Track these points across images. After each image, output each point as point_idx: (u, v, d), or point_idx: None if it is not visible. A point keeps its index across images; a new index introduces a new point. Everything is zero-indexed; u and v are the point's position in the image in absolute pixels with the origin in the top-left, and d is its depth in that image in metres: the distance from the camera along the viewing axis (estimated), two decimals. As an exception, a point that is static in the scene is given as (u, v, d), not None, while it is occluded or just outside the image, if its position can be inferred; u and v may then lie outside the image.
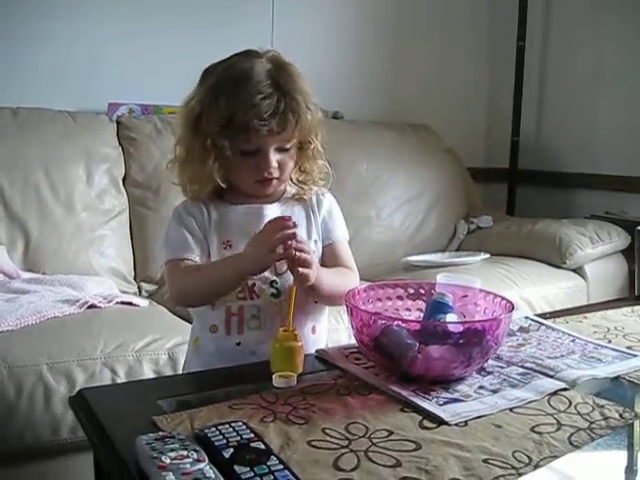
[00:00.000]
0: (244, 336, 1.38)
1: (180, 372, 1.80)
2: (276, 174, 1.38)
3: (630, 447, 1.14)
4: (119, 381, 1.74)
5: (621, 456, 1.11)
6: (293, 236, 1.26)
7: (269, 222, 1.30)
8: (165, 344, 1.86)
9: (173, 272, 1.41)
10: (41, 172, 2.45)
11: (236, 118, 1.31)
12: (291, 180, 1.48)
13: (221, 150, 1.35)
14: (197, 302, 1.42)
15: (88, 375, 1.73)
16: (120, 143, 2.69)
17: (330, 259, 1.47)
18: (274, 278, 1.39)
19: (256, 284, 1.38)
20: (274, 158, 1.36)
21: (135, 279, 2.58)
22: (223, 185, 1.41)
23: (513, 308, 1.25)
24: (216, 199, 1.45)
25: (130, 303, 2.16)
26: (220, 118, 1.32)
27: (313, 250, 1.37)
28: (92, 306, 2.05)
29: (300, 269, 1.27)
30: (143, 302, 2.22)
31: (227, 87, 1.34)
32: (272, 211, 1.43)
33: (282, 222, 1.27)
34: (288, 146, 1.38)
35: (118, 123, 2.74)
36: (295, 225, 1.27)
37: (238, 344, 1.38)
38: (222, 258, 1.38)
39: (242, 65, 1.36)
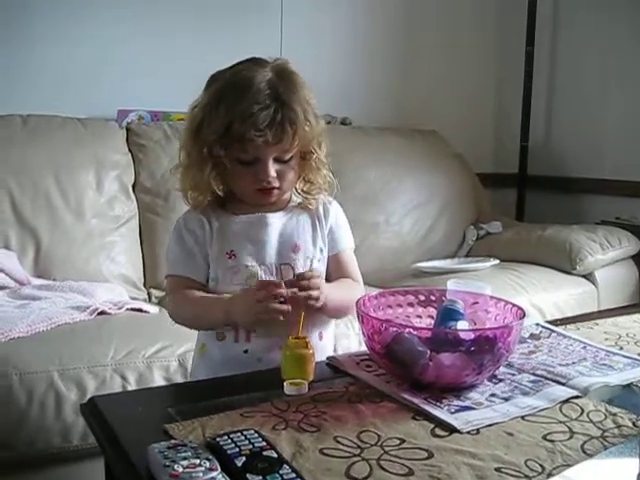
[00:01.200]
0: (251, 344, 1.38)
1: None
2: (275, 184, 1.38)
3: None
4: (129, 388, 1.75)
5: (633, 464, 1.10)
6: (278, 295, 1.28)
7: (260, 283, 1.33)
8: (175, 351, 1.86)
9: (171, 290, 1.46)
10: (51, 179, 2.46)
11: (233, 127, 1.31)
12: (296, 190, 1.48)
13: (218, 159, 1.36)
14: (190, 327, 1.47)
15: (99, 382, 1.74)
16: (130, 150, 2.70)
17: (335, 268, 1.48)
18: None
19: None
20: (272, 168, 1.36)
21: (145, 285, 2.58)
22: (220, 194, 1.41)
23: (524, 315, 1.24)
24: (218, 208, 1.45)
25: (140, 310, 2.17)
26: (219, 126, 1.32)
27: (317, 272, 1.38)
28: (102, 312, 2.05)
29: (309, 302, 1.31)
30: (153, 309, 2.22)
31: (228, 95, 1.33)
32: (276, 219, 1.43)
33: (271, 287, 1.29)
34: (287, 157, 1.37)
35: (127, 130, 2.75)
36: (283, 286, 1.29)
37: (245, 351, 1.38)
38: (216, 297, 1.38)
39: (245, 74, 1.35)
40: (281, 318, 1.28)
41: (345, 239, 1.51)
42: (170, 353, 1.85)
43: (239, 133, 1.30)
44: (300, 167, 1.42)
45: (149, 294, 2.56)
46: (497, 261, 2.78)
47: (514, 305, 1.30)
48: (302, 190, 1.47)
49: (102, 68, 2.84)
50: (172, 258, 1.45)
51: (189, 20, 2.99)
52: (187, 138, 1.40)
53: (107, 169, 2.59)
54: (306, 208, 1.47)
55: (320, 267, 1.44)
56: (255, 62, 1.39)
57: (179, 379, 1.82)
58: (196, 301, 1.39)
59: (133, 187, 2.66)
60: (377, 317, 1.28)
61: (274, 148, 1.34)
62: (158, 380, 1.80)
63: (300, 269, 1.40)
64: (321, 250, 1.46)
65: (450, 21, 3.64)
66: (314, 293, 1.31)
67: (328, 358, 1.35)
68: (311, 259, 1.43)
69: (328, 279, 1.45)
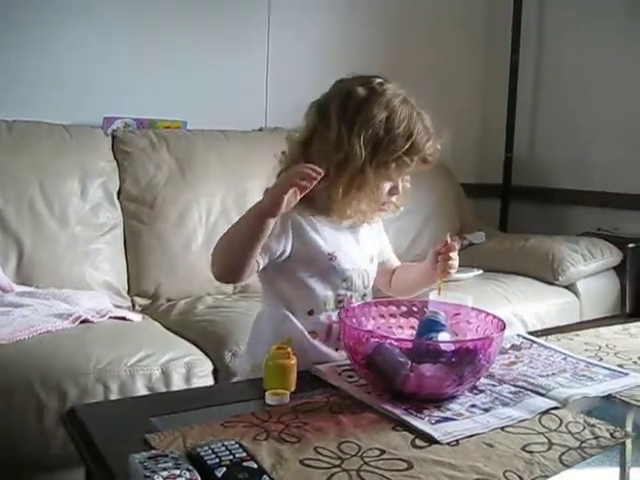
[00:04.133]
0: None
1: (173, 389, 1.81)
2: None
3: (622, 465, 1.14)
4: (112, 397, 1.74)
5: (612, 474, 1.12)
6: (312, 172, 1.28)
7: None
8: (158, 359, 1.86)
9: None
10: (36, 185, 2.45)
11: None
12: None
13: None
14: (227, 263, 1.39)
15: (80, 390, 1.73)
16: (115, 157, 2.69)
17: (390, 265, 1.68)
18: (365, 292, 1.52)
19: (353, 296, 1.49)
20: None
21: (129, 293, 2.57)
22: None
23: (505, 327, 1.25)
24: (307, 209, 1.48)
25: (123, 318, 2.16)
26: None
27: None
28: (85, 321, 2.05)
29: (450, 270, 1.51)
30: (136, 317, 2.22)
31: None
32: (365, 231, 1.58)
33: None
34: None
35: (113, 137, 2.74)
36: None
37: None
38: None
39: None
40: (310, 184, 1.28)
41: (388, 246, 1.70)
42: (153, 362, 1.85)
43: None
44: None
45: (133, 302, 2.56)
46: (480, 271, 2.80)
47: (495, 317, 1.31)
48: None
49: (89, 75, 2.84)
50: None
51: (175, 29, 2.99)
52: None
53: (92, 176, 2.58)
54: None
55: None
56: None
57: (162, 388, 1.81)
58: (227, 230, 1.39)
59: (118, 194, 2.65)
60: (358, 328, 1.28)
61: None
62: (140, 389, 1.79)
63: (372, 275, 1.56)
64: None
65: (437, 31, 3.66)
66: (456, 263, 1.50)
67: (311, 369, 1.35)
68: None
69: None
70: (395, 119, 1.40)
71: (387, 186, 1.46)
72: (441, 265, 1.50)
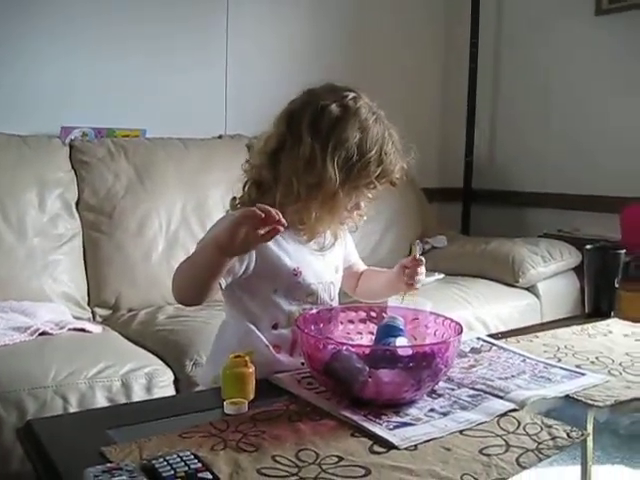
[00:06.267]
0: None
1: (134, 399, 1.79)
2: None
3: (584, 463, 1.16)
4: (71, 410, 1.72)
5: (575, 471, 1.13)
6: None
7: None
8: (119, 371, 1.84)
9: None
10: (-8, 197, 2.42)
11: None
12: None
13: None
14: (187, 290, 1.37)
15: (39, 404, 1.71)
16: (73, 167, 2.66)
17: (356, 269, 1.69)
18: (331, 304, 1.52)
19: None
20: None
21: (89, 304, 2.54)
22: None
23: (462, 330, 1.26)
24: None
25: (83, 329, 2.14)
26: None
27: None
28: (44, 333, 2.02)
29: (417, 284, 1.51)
30: (96, 328, 2.19)
31: None
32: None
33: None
34: None
35: (71, 147, 2.71)
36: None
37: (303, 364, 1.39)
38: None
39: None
40: (260, 232, 1.20)
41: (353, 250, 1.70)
42: (113, 373, 1.83)
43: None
44: None
45: (93, 313, 2.53)
46: (442, 275, 2.81)
47: (452, 320, 1.31)
48: None
49: (45, 84, 2.81)
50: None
51: (131, 39, 2.97)
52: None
53: (50, 187, 2.55)
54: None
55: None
56: None
57: (122, 399, 1.80)
58: (189, 257, 1.37)
59: (77, 205, 2.62)
60: (316, 335, 1.28)
61: None
62: (101, 401, 1.78)
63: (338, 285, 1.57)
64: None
65: (398, 40, 3.68)
66: (422, 277, 1.51)
67: (269, 378, 1.34)
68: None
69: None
70: (368, 141, 1.41)
71: (351, 203, 1.46)
72: (408, 279, 1.51)
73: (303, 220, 1.44)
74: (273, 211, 1.19)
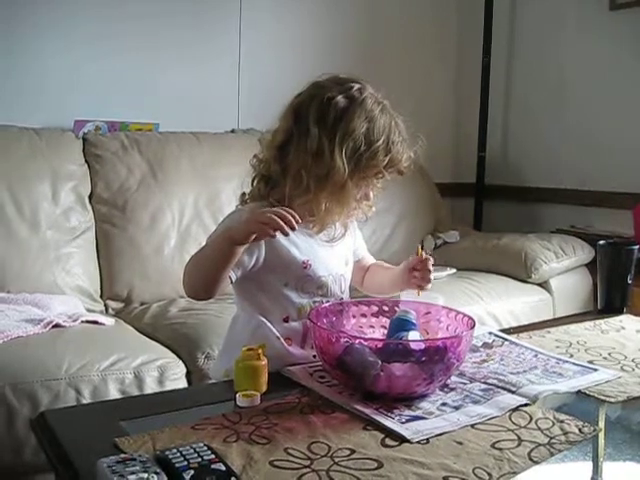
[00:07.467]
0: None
1: (146, 392, 1.80)
2: None
3: (595, 459, 1.16)
4: (84, 401, 1.73)
5: (582, 469, 1.13)
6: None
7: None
8: (131, 363, 1.85)
9: None
10: (5, 190, 2.42)
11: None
12: None
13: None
14: (196, 282, 1.40)
15: (52, 396, 1.71)
16: (86, 160, 2.66)
17: (365, 262, 1.69)
18: (342, 296, 1.52)
19: (330, 302, 1.47)
20: None
21: (101, 297, 2.55)
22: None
23: (474, 325, 1.26)
24: None
25: (96, 322, 2.15)
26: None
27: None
28: (57, 325, 2.03)
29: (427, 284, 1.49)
30: (109, 321, 2.20)
31: None
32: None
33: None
34: None
35: (84, 140, 2.71)
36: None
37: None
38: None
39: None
40: (271, 233, 1.26)
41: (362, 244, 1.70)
42: (125, 365, 1.84)
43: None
44: None
45: (106, 306, 2.54)
46: (454, 270, 2.81)
47: (465, 315, 1.31)
48: None
49: (58, 78, 2.82)
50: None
51: (146, 33, 2.97)
52: None
53: (63, 180, 2.56)
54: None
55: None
56: None
57: (135, 392, 1.80)
58: (198, 251, 1.40)
59: (89, 198, 2.63)
60: (328, 328, 1.28)
61: None
62: (113, 393, 1.78)
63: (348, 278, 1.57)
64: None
65: (410, 32, 3.67)
66: (432, 276, 1.49)
67: (281, 371, 1.34)
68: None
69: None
70: (375, 131, 1.41)
71: (360, 194, 1.46)
72: (418, 281, 1.50)
73: (313, 212, 1.44)
74: (289, 215, 1.25)
